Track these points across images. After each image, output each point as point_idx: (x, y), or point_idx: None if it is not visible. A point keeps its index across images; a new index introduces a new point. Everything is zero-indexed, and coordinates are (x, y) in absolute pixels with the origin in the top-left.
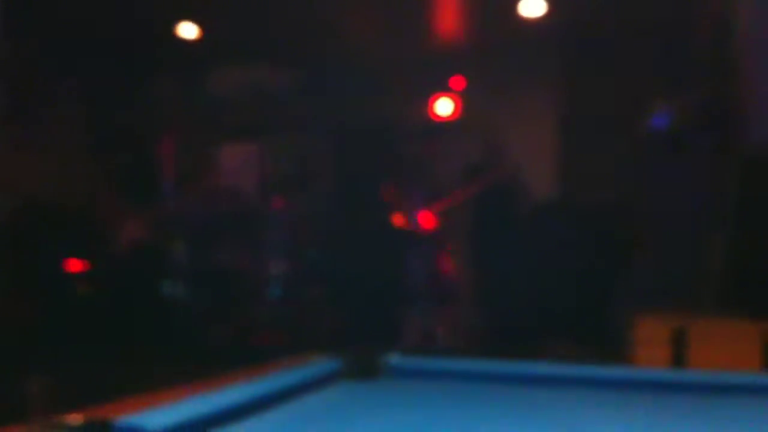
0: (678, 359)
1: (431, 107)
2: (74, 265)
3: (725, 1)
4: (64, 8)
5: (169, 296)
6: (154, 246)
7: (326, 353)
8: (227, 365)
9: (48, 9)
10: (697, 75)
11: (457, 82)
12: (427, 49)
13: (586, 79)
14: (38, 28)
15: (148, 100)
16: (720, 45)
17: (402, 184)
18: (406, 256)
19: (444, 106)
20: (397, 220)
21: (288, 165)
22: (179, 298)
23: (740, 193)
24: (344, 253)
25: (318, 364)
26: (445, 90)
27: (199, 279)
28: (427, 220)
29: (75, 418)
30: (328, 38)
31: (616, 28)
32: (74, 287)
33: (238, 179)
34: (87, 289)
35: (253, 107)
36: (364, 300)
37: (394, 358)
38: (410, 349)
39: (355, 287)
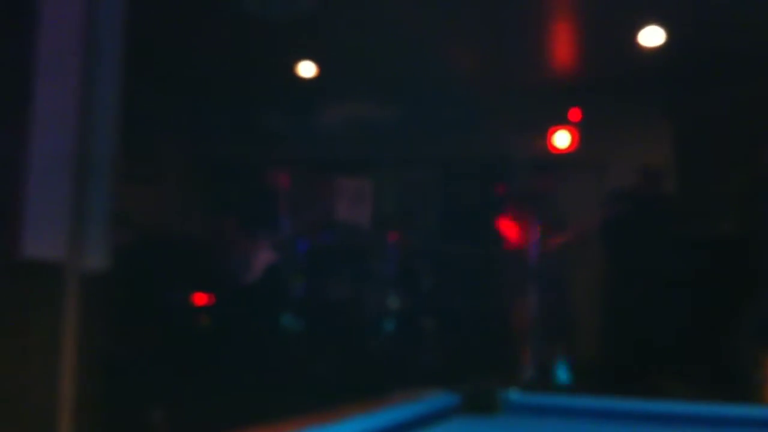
0: None
1: (549, 140)
2: (195, 299)
3: None
4: (182, 45)
5: (285, 328)
6: (272, 278)
7: (443, 387)
8: (341, 398)
9: (166, 45)
10: None
11: (575, 114)
12: (545, 81)
13: (705, 108)
14: (157, 64)
15: (264, 135)
16: None
17: (519, 217)
18: (521, 288)
19: (562, 139)
20: (514, 252)
21: (402, 198)
22: (295, 330)
23: None
24: (459, 286)
25: (434, 398)
26: (563, 122)
27: (314, 311)
28: (543, 251)
29: None
30: (446, 72)
31: (737, 56)
32: (194, 320)
33: (353, 213)
34: (206, 322)
35: (368, 141)
36: (479, 334)
37: (513, 394)
38: (529, 384)
39: (469, 321)
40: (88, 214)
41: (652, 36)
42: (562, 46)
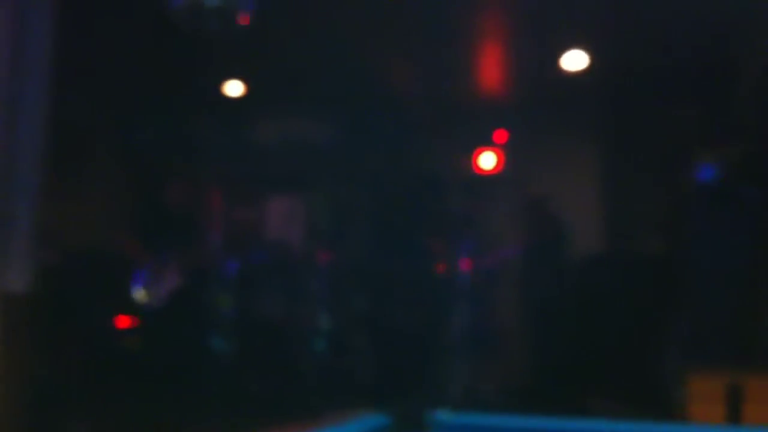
0: (733, 416)
1: (474, 161)
2: (119, 321)
3: None
4: (111, 61)
5: (214, 349)
6: (198, 298)
7: (372, 407)
8: (272, 419)
9: (96, 59)
10: (745, 126)
11: (500, 135)
12: (470, 103)
13: (631, 131)
14: (86, 80)
15: (193, 152)
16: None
17: (447, 237)
18: (451, 308)
19: (487, 160)
20: (443, 272)
21: (330, 217)
22: (224, 351)
23: None
24: (388, 306)
25: (364, 420)
26: (488, 144)
27: (244, 332)
28: (472, 273)
29: None
30: (372, 91)
31: (661, 78)
32: (119, 341)
33: (283, 232)
34: (133, 343)
35: (295, 160)
36: (409, 353)
37: (441, 414)
38: (456, 403)
39: (399, 340)
40: (10, 232)
41: (574, 60)
42: (488, 70)
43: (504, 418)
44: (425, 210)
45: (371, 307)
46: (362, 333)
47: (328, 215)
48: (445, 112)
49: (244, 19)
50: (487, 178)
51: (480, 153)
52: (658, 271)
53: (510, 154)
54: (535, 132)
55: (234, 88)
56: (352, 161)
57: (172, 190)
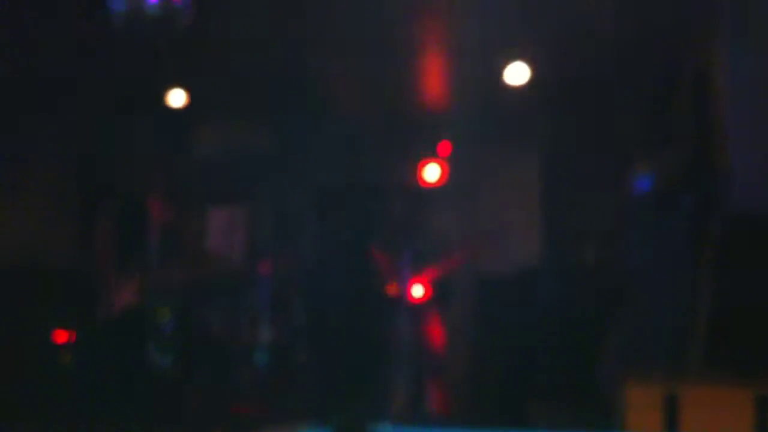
0: (669, 424)
1: (419, 173)
2: (57, 336)
3: (708, 60)
4: (50, 66)
5: (152, 363)
6: (139, 312)
7: (313, 421)
8: None
9: (34, 65)
10: (680, 135)
11: (444, 147)
12: (414, 115)
13: (570, 141)
14: (24, 85)
15: (134, 162)
16: (702, 104)
17: (391, 250)
18: (394, 321)
19: (431, 172)
20: (387, 286)
21: (273, 228)
22: (163, 364)
23: (724, 252)
24: (331, 318)
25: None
26: (432, 156)
27: (183, 345)
28: (417, 287)
29: None
30: (316, 101)
31: (599, 89)
32: (56, 357)
33: (224, 243)
34: (69, 359)
35: (238, 170)
36: (351, 366)
37: (382, 427)
38: (398, 417)
39: (341, 353)
40: None
41: (517, 73)
42: (432, 83)
43: (446, 429)
44: (368, 222)
45: (314, 319)
46: (304, 345)
47: (271, 226)
48: (389, 124)
49: (182, 25)
50: (432, 191)
51: (425, 165)
52: (597, 281)
53: (454, 166)
54: (479, 144)
55: (176, 97)
56: (295, 172)
57: (112, 203)
